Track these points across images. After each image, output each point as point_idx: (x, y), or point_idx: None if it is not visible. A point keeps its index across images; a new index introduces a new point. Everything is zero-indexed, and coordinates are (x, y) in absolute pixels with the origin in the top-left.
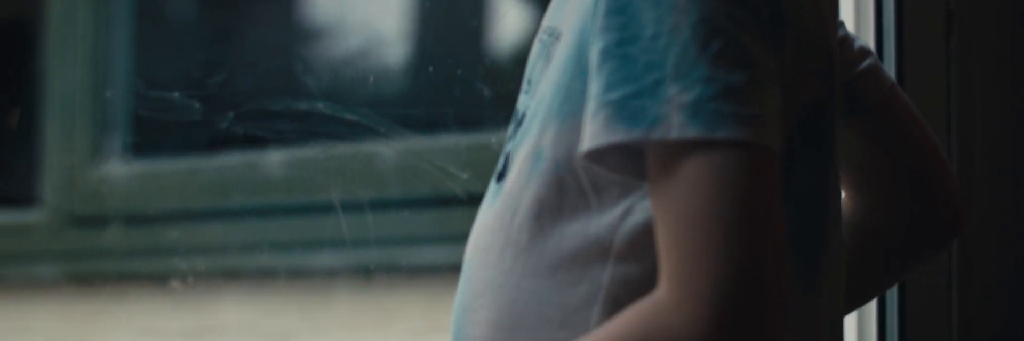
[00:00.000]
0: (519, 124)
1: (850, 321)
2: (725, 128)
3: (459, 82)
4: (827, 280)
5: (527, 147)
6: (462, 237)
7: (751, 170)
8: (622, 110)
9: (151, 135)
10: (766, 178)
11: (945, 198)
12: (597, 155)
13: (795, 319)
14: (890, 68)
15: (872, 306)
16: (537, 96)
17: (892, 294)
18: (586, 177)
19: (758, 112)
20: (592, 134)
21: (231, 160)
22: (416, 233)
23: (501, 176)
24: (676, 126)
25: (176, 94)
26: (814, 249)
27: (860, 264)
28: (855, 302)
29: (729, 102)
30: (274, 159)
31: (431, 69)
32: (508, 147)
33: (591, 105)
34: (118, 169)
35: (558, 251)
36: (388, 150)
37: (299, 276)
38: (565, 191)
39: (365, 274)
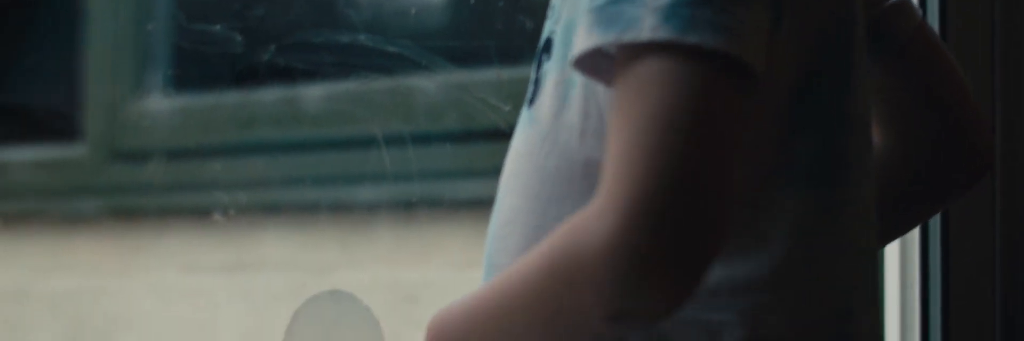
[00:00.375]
0: (547, 50)
1: (892, 317)
2: (697, 33)
3: (501, 14)
4: (851, 211)
5: (556, 73)
6: None
7: (712, 80)
8: (602, 15)
9: (193, 68)
10: (730, 91)
11: (973, 136)
12: (589, 66)
13: (815, 250)
14: (934, 22)
15: (916, 300)
16: (562, 21)
17: (936, 288)
18: (604, 101)
19: (734, 23)
20: (577, 43)
21: (272, 93)
22: (458, 166)
23: (531, 102)
24: (648, 28)
25: (218, 27)
26: (834, 179)
27: (886, 201)
28: (883, 239)
29: (706, 8)
30: (315, 92)
31: (473, 1)
32: (537, 74)
33: (580, 15)
34: (160, 103)
35: (585, 177)
36: (430, 83)
37: (340, 210)
38: (589, 116)
39: (406, 208)
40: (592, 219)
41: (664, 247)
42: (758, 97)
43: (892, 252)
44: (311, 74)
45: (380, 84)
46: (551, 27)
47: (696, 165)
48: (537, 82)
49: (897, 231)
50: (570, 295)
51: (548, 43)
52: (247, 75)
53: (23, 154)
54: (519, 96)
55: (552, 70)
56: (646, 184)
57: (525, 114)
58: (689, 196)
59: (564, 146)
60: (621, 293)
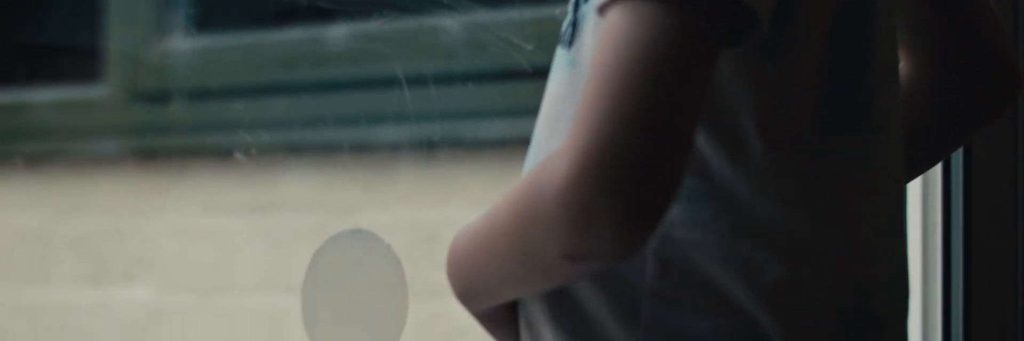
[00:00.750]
0: None
1: (914, 317)
2: None
3: None
4: (882, 155)
5: (595, 15)
6: (527, 110)
7: (696, 30)
8: None
9: (214, 8)
10: (713, 44)
11: (1002, 61)
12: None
13: (850, 194)
14: None
15: (937, 303)
16: None
17: (957, 291)
18: None
19: None
20: None
21: (295, 33)
22: (480, 106)
23: (569, 44)
24: None
25: None
26: (866, 124)
27: (914, 132)
28: (911, 172)
29: None
30: (338, 32)
31: None
32: (574, 15)
33: None
34: (181, 43)
35: None
36: (453, 22)
37: (362, 150)
38: None
39: (428, 148)
40: (556, 158)
41: (614, 193)
42: (792, 47)
43: (914, 251)
44: (333, 13)
45: (402, 23)
46: None
47: (660, 117)
48: (575, 24)
49: (926, 163)
50: (532, 230)
51: None
52: (269, 15)
53: (44, 95)
54: (542, 36)
55: (591, 12)
56: (606, 131)
57: (563, 56)
58: (647, 146)
59: None
60: (572, 233)
